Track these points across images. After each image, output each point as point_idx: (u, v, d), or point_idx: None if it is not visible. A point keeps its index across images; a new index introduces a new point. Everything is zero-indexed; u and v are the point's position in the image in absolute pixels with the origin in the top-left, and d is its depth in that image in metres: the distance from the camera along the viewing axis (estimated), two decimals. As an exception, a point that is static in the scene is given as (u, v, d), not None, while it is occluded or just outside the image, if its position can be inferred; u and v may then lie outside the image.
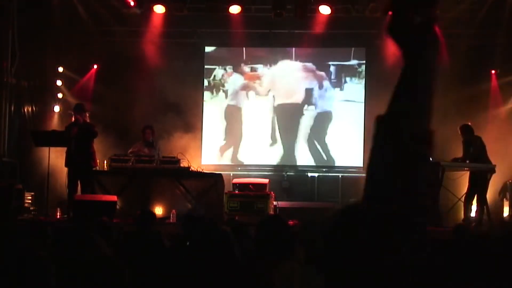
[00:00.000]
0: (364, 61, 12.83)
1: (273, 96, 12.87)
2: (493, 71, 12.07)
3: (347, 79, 12.88)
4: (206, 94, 13.00)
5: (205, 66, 13.02)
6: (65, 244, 2.95)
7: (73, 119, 9.93)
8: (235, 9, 11.79)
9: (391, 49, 12.15)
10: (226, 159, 12.84)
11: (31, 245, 2.01)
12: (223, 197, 9.91)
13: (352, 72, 12.88)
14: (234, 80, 13.01)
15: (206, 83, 13.01)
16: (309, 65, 12.87)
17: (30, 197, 10.25)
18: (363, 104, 12.72)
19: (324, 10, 11.59)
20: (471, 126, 9.77)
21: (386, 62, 12.32)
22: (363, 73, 12.83)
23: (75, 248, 2.82)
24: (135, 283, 3.04)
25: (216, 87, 13.03)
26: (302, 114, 12.82)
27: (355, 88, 12.86)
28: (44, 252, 2.00)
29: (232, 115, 12.91)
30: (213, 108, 12.98)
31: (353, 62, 12.87)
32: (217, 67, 13.04)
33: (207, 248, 3.13)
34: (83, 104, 10.18)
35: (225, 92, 13.00)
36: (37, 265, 1.97)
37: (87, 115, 10.01)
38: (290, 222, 8.80)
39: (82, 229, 3.62)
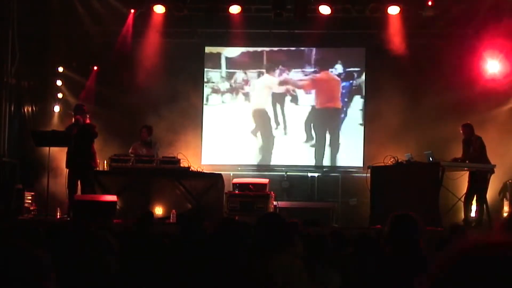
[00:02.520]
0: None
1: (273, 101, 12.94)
2: (492, 71, 12.06)
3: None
4: (227, 96, 13.02)
5: (227, 70, 13.01)
6: (71, 244, 2.95)
7: (73, 120, 9.94)
8: (235, 9, 11.80)
9: (390, 49, 12.19)
10: (230, 159, 12.83)
11: (31, 245, 2.00)
12: (223, 197, 9.91)
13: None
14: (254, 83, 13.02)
15: (227, 85, 13.01)
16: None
17: (30, 197, 10.24)
18: (354, 93, 12.75)
19: (324, 10, 11.58)
20: (472, 126, 9.77)
21: (383, 63, 12.36)
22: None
23: (87, 248, 2.82)
24: (136, 282, 3.04)
25: (236, 90, 13.04)
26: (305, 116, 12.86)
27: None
28: (44, 252, 2.00)
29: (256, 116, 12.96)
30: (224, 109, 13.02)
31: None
32: (237, 71, 13.02)
33: (221, 243, 3.15)
34: (83, 105, 10.18)
35: (246, 94, 13.00)
36: (37, 265, 1.96)
37: (88, 116, 10.01)
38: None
39: (93, 229, 3.61)
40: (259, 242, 3.11)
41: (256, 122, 12.88)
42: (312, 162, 12.81)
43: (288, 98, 12.89)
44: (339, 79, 12.86)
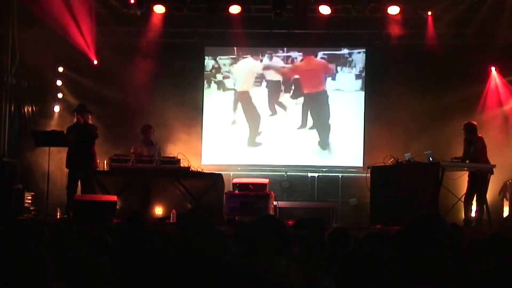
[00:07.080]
0: (354, 51, 12.78)
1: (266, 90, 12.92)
2: (493, 71, 12.06)
3: (338, 68, 12.82)
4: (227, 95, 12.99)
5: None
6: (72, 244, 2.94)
7: (75, 119, 9.95)
8: (235, 9, 11.79)
9: (390, 49, 12.21)
10: (230, 159, 12.81)
11: (32, 244, 2.00)
12: (223, 197, 9.91)
13: (342, 62, 12.83)
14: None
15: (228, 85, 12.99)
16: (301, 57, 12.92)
17: (30, 197, 10.25)
18: (354, 93, 12.71)
19: (324, 10, 11.58)
20: (475, 126, 9.76)
21: (383, 63, 12.37)
22: (354, 62, 12.76)
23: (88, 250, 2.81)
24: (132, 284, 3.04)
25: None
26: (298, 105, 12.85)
27: (347, 77, 12.79)
28: (45, 251, 2.00)
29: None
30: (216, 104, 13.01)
31: (344, 51, 12.83)
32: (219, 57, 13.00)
33: (200, 247, 3.13)
34: (85, 105, 10.19)
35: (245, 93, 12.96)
36: (38, 264, 1.96)
37: (90, 116, 10.02)
38: (290, 222, 8.80)
39: (94, 231, 3.61)
40: (255, 245, 3.09)
41: (243, 106, 12.85)
42: (313, 148, 12.73)
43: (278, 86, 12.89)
44: (324, 62, 12.81)
